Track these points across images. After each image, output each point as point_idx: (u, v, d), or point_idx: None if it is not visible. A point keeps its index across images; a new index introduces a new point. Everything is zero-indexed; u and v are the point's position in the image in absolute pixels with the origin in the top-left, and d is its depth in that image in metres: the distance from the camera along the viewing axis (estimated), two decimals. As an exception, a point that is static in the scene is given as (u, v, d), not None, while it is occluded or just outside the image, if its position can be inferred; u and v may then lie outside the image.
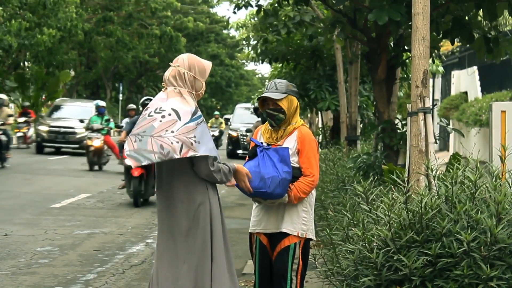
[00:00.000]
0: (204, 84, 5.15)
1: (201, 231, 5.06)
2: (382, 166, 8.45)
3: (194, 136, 4.89)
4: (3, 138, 21.34)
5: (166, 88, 5.09)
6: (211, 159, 5.02)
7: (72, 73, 54.91)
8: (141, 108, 13.81)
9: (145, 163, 4.90)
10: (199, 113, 4.98)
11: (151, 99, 11.76)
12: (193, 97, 5.06)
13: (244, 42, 22.37)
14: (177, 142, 4.85)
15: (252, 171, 5.49)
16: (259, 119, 14.82)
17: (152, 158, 4.87)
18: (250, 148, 5.78)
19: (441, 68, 26.19)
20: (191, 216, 5.05)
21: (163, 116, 4.91)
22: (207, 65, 5.17)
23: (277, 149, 5.60)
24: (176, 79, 5.05)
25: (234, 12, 15.39)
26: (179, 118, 4.89)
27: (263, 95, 5.69)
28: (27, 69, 45.23)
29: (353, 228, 5.59)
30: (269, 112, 5.67)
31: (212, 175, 5.03)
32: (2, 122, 21.76)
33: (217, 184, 5.20)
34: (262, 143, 5.72)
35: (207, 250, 5.06)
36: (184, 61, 5.10)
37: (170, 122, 4.88)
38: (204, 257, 5.06)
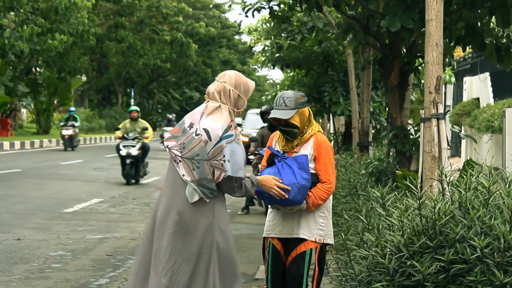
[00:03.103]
0: (246, 103, 5.21)
1: (198, 241, 5.03)
2: (396, 171, 8.45)
3: (224, 156, 4.93)
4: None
5: (208, 101, 5.13)
6: (237, 178, 5.05)
7: (84, 78, 55.05)
8: None
9: (211, 196, 4.99)
10: (231, 131, 5.00)
11: None
12: (233, 113, 5.11)
13: (258, 46, 22.37)
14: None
15: None
16: (265, 124, 14.89)
17: (214, 187, 4.97)
18: (268, 156, 5.75)
19: (452, 78, 26.12)
20: (189, 226, 5.03)
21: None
22: (251, 84, 5.24)
23: (295, 157, 5.59)
24: (221, 94, 5.10)
25: (247, 16, 15.35)
26: (210, 138, 4.95)
27: (273, 116, 5.61)
28: (39, 75, 45.41)
29: (367, 234, 5.59)
30: (282, 129, 5.67)
31: (232, 191, 5.07)
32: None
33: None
34: (278, 151, 5.71)
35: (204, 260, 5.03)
36: (231, 78, 5.15)
37: (201, 142, 4.94)
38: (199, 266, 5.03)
